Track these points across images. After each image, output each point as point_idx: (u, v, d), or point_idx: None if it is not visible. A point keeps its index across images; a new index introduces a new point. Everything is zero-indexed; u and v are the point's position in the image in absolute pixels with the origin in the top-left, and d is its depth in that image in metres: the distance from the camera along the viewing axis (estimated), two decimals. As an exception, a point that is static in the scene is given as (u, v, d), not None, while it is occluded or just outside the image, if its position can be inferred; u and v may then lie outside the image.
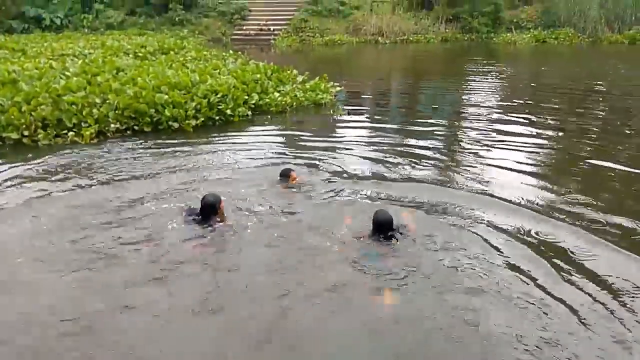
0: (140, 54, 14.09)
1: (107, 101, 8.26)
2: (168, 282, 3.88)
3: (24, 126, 7.58)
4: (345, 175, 6.09)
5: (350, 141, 7.85)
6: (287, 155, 7.07)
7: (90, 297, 3.70)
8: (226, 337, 3.36)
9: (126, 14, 23.26)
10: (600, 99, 11.67)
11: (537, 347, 3.22)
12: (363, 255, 4.09)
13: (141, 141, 7.64)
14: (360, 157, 6.95)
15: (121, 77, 9.50)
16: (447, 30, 23.29)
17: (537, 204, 5.33)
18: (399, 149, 7.43)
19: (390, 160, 6.81)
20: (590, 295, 3.75)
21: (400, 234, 4.28)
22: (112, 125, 7.95)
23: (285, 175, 5.64)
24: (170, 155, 6.96)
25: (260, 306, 3.60)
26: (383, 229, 4.16)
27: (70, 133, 7.68)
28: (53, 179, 6.06)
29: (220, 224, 4.64)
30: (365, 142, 7.85)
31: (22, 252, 4.33)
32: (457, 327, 3.39)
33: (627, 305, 3.63)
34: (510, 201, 5.38)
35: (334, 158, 6.83)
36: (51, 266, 4.09)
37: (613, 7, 23.07)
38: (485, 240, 4.48)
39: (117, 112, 8.12)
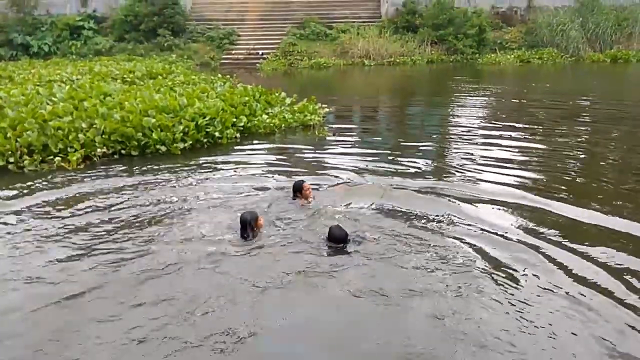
0: (128, 79, 14.09)
1: (94, 126, 8.22)
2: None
3: (9, 152, 7.51)
4: (335, 194, 6.08)
5: (340, 160, 7.85)
6: (276, 176, 7.04)
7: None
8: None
9: (115, 40, 23.36)
10: (585, 112, 12.06)
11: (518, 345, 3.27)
12: None
13: (128, 165, 7.59)
14: (350, 174, 6.97)
15: (108, 101, 9.47)
16: (432, 52, 23.64)
17: (524, 214, 5.46)
18: (388, 165, 7.52)
19: (380, 175, 6.94)
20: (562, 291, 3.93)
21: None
22: (99, 150, 7.90)
23: (298, 188, 5.67)
24: (158, 179, 6.90)
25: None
26: (336, 242, 4.66)
27: (57, 158, 7.61)
28: (40, 205, 5.97)
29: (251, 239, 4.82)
30: (354, 161, 7.85)
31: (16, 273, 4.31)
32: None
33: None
34: (498, 209, 5.61)
35: (325, 177, 6.81)
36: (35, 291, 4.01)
37: (594, 27, 23.64)
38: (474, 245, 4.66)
39: (104, 136, 8.08)
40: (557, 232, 4.98)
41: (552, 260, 4.43)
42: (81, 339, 3.47)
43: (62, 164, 7.55)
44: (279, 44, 23.73)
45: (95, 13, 24.29)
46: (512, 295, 3.89)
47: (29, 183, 6.80)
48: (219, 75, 14.60)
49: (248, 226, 4.82)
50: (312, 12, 25.32)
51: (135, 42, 23.14)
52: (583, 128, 10.36)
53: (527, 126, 10.33)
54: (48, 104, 9.27)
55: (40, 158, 7.64)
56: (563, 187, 6.40)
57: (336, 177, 6.83)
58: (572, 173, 7.21)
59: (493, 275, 4.18)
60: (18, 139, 7.69)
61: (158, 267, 4.40)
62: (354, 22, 24.79)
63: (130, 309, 3.81)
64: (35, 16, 23.65)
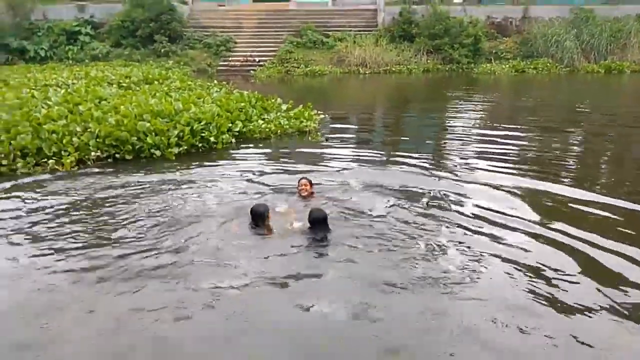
0: (124, 84, 14.06)
1: (89, 129, 8.20)
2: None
3: (2, 155, 7.47)
4: (332, 200, 6.06)
5: (336, 165, 7.85)
6: (271, 180, 7.01)
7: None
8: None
9: (111, 46, 23.37)
10: (579, 120, 12.37)
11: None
12: None
13: (122, 169, 7.56)
14: (345, 180, 6.97)
15: (103, 105, 9.46)
16: (428, 61, 23.77)
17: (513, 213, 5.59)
18: (381, 170, 7.62)
19: (373, 180, 7.00)
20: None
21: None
22: (93, 154, 7.88)
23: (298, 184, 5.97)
24: (151, 181, 6.88)
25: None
26: (319, 224, 4.84)
27: (51, 161, 7.58)
28: (31, 207, 5.92)
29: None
30: (349, 166, 7.85)
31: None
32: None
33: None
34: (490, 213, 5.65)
35: (320, 183, 6.79)
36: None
37: (589, 39, 23.85)
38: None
39: (98, 140, 8.05)
40: (546, 216, 5.41)
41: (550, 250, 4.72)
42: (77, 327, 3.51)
43: (56, 167, 7.52)
44: (276, 52, 23.82)
45: (93, 19, 24.31)
46: (503, 288, 3.98)
47: (19, 182, 6.80)
48: (216, 82, 14.60)
49: (261, 218, 4.97)
50: (310, 20, 25.44)
51: (132, 48, 23.16)
52: (575, 133, 10.84)
53: (520, 131, 10.74)
54: (43, 107, 9.24)
55: (34, 161, 7.60)
56: (556, 176, 7.06)
57: (332, 180, 6.86)
58: (565, 168, 7.87)
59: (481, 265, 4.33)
60: (12, 142, 7.65)
61: (157, 262, 4.49)
62: (350, 30, 24.92)
63: (128, 301, 3.88)
64: (31, 21, 23.66)
